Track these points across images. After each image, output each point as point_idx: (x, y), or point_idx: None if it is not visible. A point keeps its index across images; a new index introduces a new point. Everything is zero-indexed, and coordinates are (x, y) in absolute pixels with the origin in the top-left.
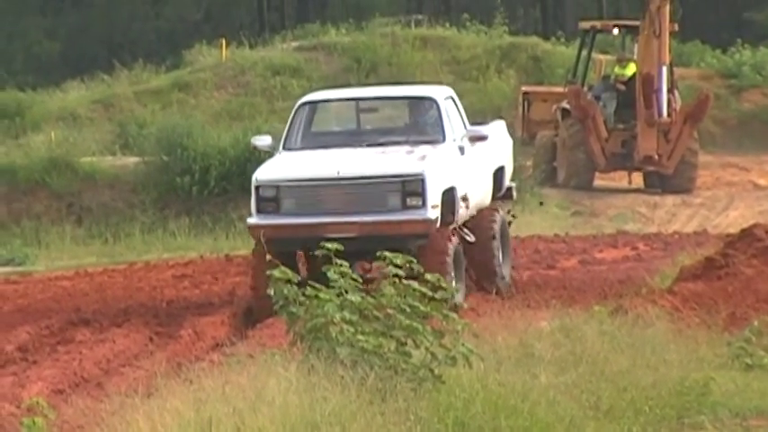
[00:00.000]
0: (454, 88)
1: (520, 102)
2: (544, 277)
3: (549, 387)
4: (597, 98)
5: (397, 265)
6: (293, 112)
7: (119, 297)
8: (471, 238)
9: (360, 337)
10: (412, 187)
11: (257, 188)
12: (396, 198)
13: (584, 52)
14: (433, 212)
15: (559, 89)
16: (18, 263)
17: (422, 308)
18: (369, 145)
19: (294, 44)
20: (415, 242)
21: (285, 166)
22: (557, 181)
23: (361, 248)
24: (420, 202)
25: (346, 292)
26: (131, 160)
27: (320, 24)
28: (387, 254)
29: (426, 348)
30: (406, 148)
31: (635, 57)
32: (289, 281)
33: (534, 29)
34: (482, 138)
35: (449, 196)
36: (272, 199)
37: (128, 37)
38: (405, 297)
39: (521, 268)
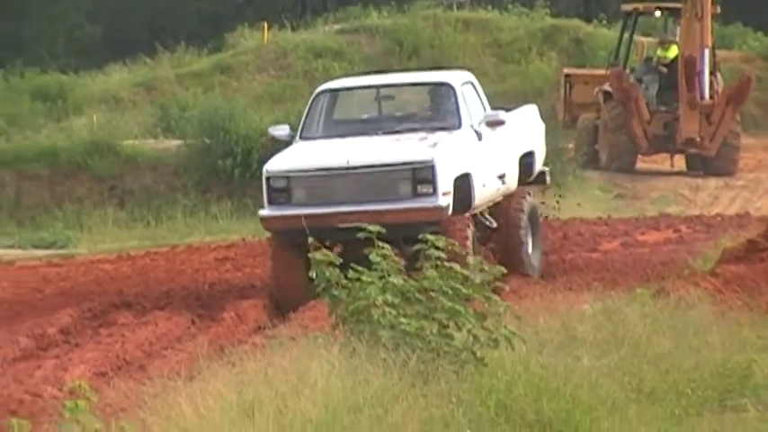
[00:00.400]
0: (496, 71)
1: (562, 84)
2: (586, 260)
3: (591, 369)
4: (639, 80)
5: (438, 248)
6: (310, 101)
7: (161, 280)
8: (493, 224)
9: (402, 319)
10: (422, 175)
11: (268, 179)
12: (406, 186)
13: (627, 34)
14: (445, 200)
15: (601, 71)
16: (60, 246)
17: (464, 290)
18: (385, 133)
19: (336, 27)
20: (427, 230)
21: (296, 156)
22: (599, 163)
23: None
24: (431, 190)
25: (388, 274)
26: (173, 143)
27: (362, 7)
28: (429, 236)
29: (468, 331)
30: (421, 134)
31: (677, 39)
32: (330, 263)
33: (576, 11)
34: (499, 122)
35: (463, 182)
36: (282, 190)
37: (170, 20)
38: (447, 279)
39: (563, 251)
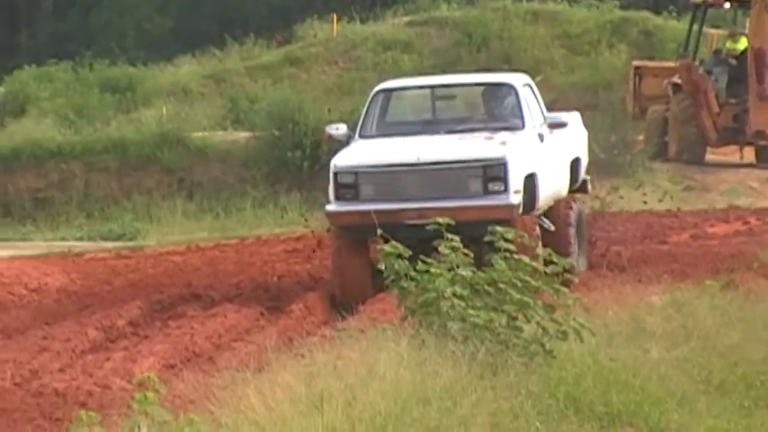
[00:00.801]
0: (565, 63)
1: (631, 76)
2: (655, 252)
3: (660, 362)
4: (709, 72)
5: (508, 240)
6: (369, 100)
7: (230, 272)
8: (551, 227)
9: (471, 311)
10: (494, 172)
11: (335, 174)
12: (477, 183)
13: (696, 26)
14: (516, 198)
15: (671, 64)
16: (129, 238)
17: (533, 282)
18: (446, 132)
19: (405, 19)
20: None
21: (363, 152)
22: (668, 155)
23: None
24: (502, 188)
25: (457, 266)
26: (242, 135)
27: None
28: (498, 228)
29: (537, 323)
30: (485, 134)
31: (746, 31)
32: (399, 255)
33: (646, 3)
34: (562, 124)
35: (530, 183)
36: (350, 185)
37: (239, 12)
38: (516, 271)
39: (631, 243)
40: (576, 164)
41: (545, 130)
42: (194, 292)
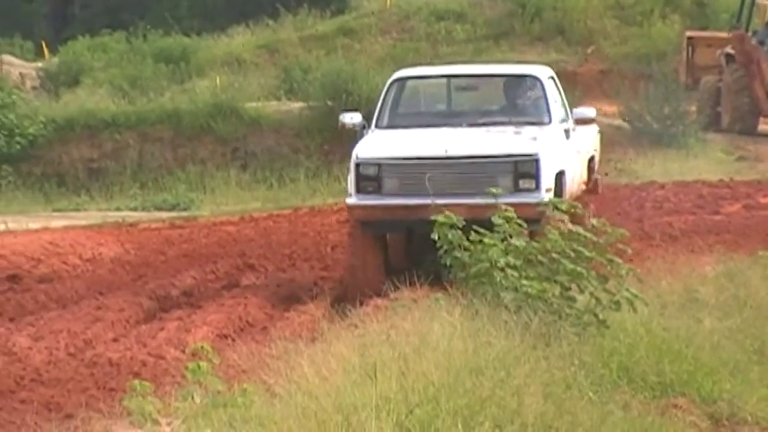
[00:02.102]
0: (618, 33)
1: (684, 47)
2: (708, 222)
3: (712, 332)
4: (761, 43)
5: (562, 211)
6: (385, 89)
7: (283, 242)
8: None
9: (524, 281)
10: (525, 168)
11: (357, 165)
12: (507, 180)
13: None
14: (548, 196)
15: (724, 34)
16: (183, 208)
17: (586, 253)
18: (469, 125)
19: None
20: (527, 228)
21: (388, 143)
22: (721, 126)
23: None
24: (534, 185)
25: (510, 236)
26: (296, 105)
27: None
28: (552, 199)
29: (591, 293)
30: (512, 128)
31: None
32: (453, 225)
33: None
34: (589, 120)
35: (559, 181)
36: (373, 178)
37: None
38: (569, 242)
39: (684, 213)
40: (591, 163)
41: (570, 126)
42: (248, 263)
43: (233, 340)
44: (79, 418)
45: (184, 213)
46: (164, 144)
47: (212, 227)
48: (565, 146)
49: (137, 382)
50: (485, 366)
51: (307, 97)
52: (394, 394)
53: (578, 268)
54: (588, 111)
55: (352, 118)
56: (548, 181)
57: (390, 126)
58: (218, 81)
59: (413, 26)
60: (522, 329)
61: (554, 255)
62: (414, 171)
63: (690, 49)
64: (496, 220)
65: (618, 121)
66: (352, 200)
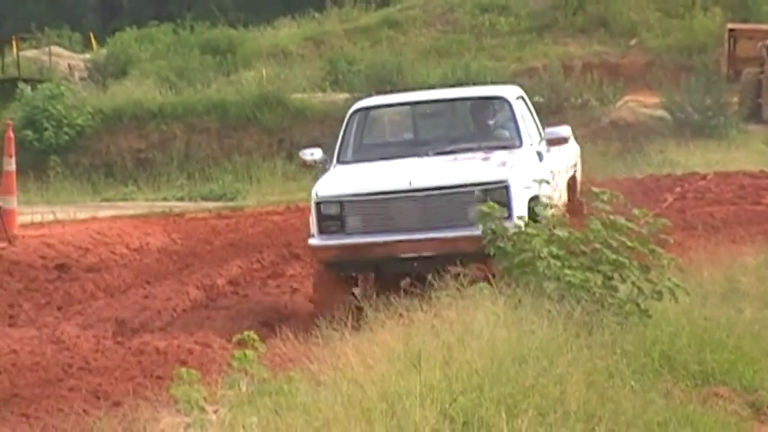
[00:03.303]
0: (660, 25)
1: (726, 39)
2: (749, 213)
3: (753, 321)
4: None
5: (603, 201)
6: (346, 121)
7: None
8: None
9: (567, 271)
10: (495, 196)
11: (318, 205)
12: (477, 209)
13: None
14: (520, 224)
15: (765, 26)
16: (229, 198)
17: (628, 243)
18: (436, 153)
19: None
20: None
21: (348, 178)
22: (762, 117)
23: (439, 268)
24: (505, 214)
25: (553, 227)
26: (341, 96)
27: None
28: (594, 189)
29: (633, 283)
30: (481, 154)
31: None
32: (498, 216)
33: None
34: (562, 140)
35: (533, 206)
36: (335, 217)
37: None
38: (612, 232)
39: (725, 204)
40: (572, 183)
41: (543, 148)
42: (293, 252)
43: (279, 329)
44: (126, 405)
45: (230, 203)
46: (210, 135)
47: (258, 217)
48: (538, 169)
49: (183, 370)
50: (528, 355)
51: (352, 88)
52: (438, 382)
53: (620, 258)
54: (562, 130)
55: (312, 154)
56: (520, 208)
57: (353, 160)
58: (264, 72)
59: (457, 18)
60: (564, 318)
61: (596, 245)
62: (377, 207)
63: (731, 41)
64: (540, 210)
65: (660, 112)
66: (314, 241)
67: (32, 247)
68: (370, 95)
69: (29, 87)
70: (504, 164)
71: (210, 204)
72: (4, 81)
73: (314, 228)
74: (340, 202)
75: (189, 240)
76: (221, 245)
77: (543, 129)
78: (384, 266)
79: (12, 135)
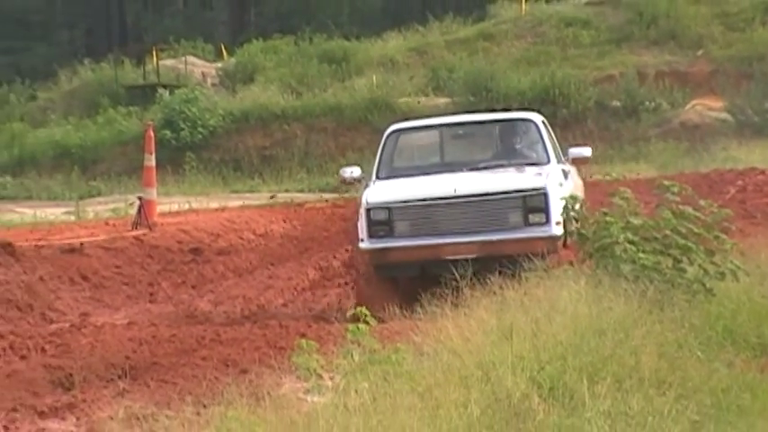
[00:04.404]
0: (723, 38)
1: None
2: None
3: None
4: None
5: (673, 193)
6: (383, 141)
7: None
8: None
9: (641, 255)
10: (534, 203)
11: (368, 211)
12: (517, 215)
13: None
14: (558, 229)
15: None
16: (344, 190)
17: (695, 230)
18: (471, 169)
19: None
20: (538, 262)
21: (395, 188)
22: None
23: (481, 269)
24: (544, 219)
25: (629, 215)
26: (442, 100)
27: None
28: (665, 182)
29: (699, 265)
30: (513, 169)
31: None
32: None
33: None
34: (585, 159)
35: (566, 215)
36: (384, 222)
37: None
38: (681, 220)
39: None
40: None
41: (567, 167)
42: None
43: (387, 305)
44: (253, 372)
45: (345, 195)
46: (327, 134)
47: None
48: (565, 184)
49: (303, 341)
50: (606, 328)
51: (451, 93)
52: (527, 353)
53: (688, 243)
54: (584, 150)
55: (352, 172)
56: (557, 214)
57: (391, 176)
58: (374, 79)
59: (544, 31)
60: (639, 297)
61: (667, 232)
62: (424, 212)
63: None
64: (617, 201)
65: (724, 115)
66: (365, 244)
67: (170, 233)
68: (468, 100)
69: (167, 92)
70: (540, 174)
71: (327, 195)
72: (146, 87)
73: (363, 233)
74: (389, 208)
75: (307, 227)
76: (336, 231)
77: (566, 152)
78: (429, 268)
79: (152, 135)
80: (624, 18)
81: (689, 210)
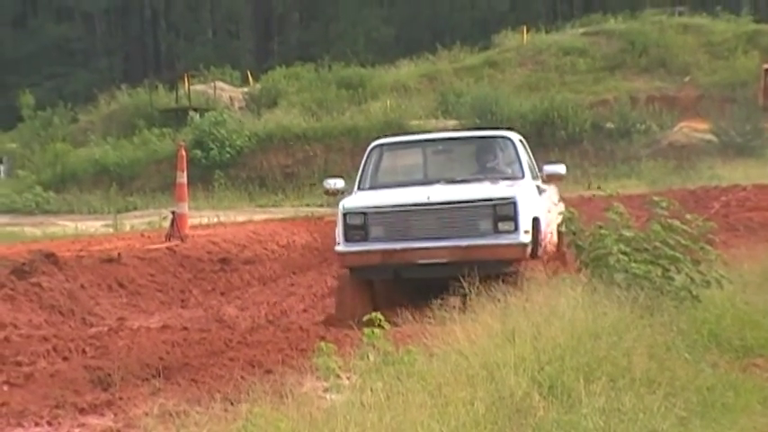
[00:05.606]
0: (709, 66)
1: (762, 76)
2: None
3: None
4: None
5: (662, 208)
6: (366, 155)
7: None
8: None
9: (633, 264)
10: (504, 211)
11: (345, 215)
12: (487, 223)
13: None
14: (526, 237)
15: None
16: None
17: (683, 241)
18: (447, 182)
19: (581, 30)
20: (507, 268)
21: (370, 196)
22: None
23: (451, 274)
24: (512, 227)
25: (621, 228)
26: (450, 123)
27: (602, 14)
28: (655, 198)
29: (686, 274)
30: (488, 182)
31: None
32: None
33: None
34: (559, 176)
35: (536, 226)
36: (359, 227)
37: (449, 24)
38: (669, 233)
39: (763, 209)
40: (560, 235)
41: (541, 185)
42: None
43: (400, 311)
44: (276, 372)
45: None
46: (344, 153)
47: None
48: (538, 199)
49: (323, 343)
50: (601, 332)
51: (459, 116)
52: (528, 354)
53: (676, 254)
54: (559, 167)
55: (335, 183)
56: (526, 223)
57: (372, 187)
58: (388, 103)
59: (544, 59)
60: (631, 303)
61: (657, 243)
62: (398, 217)
63: (766, 77)
64: (611, 215)
65: (709, 136)
66: (340, 247)
67: (200, 244)
68: (475, 122)
69: (198, 115)
70: (511, 186)
71: None
72: (178, 110)
73: (340, 236)
74: (364, 213)
75: (327, 239)
76: None
77: (541, 169)
78: (402, 271)
79: (184, 154)
80: (617, 47)
81: (677, 223)
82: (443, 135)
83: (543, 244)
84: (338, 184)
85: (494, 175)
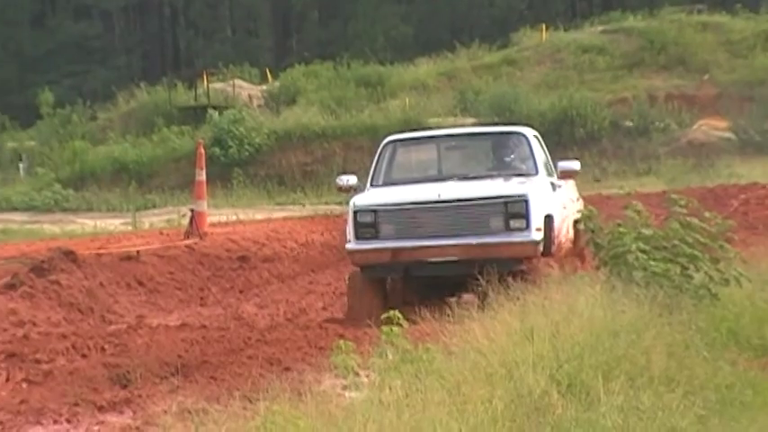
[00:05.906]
0: (727, 64)
1: None
2: None
3: None
4: None
5: (681, 206)
6: (379, 151)
7: None
8: None
9: (651, 262)
10: (515, 209)
11: (355, 213)
12: (499, 220)
13: None
14: (538, 235)
15: None
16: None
17: (701, 239)
18: (460, 179)
19: (600, 28)
20: (518, 265)
21: (381, 194)
22: None
23: (463, 272)
24: (524, 225)
25: (640, 226)
26: (469, 121)
27: (621, 12)
28: (673, 196)
29: (705, 272)
30: (501, 179)
31: None
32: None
33: None
34: (573, 173)
35: (549, 223)
36: (370, 224)
37: (467, 22)
38: (688, 231)
39: None
40: (577, 226)
41: (556, 181)
42: None
43: (419, 309)
44: (295, 370)
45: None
46: (363, 151)
47: None
48: (552, 196)
49: (341, 341)
50: (620, 330)
51: (477, 114)
52: (547, 352)
53: (695, 252)
54: (573, 164)
55: (348, 180)
56: (537, 221)
57: (385, 184)
58: (407, 101)
59: (563, 58)
60: (649, 301)
61: (675, 241)
62: (408, 215)
63: None
64: (630, 213)
65: (728, 134)
66: (351, 245)
67: (219, 241)
68: (493, 120)
69: (217, 113)
70: (523, 183)
71: None
72: (197, 108)
73: (350, 234)
74: (374, 210)
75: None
76: None
77: (555, 166)
78: (413, 269)
79: (203, 152)
80: (636, 45)
81: (695, 221)
82: (457, 131)
83: (557, 241)
84: (351, 180)
85: (507, 171)
